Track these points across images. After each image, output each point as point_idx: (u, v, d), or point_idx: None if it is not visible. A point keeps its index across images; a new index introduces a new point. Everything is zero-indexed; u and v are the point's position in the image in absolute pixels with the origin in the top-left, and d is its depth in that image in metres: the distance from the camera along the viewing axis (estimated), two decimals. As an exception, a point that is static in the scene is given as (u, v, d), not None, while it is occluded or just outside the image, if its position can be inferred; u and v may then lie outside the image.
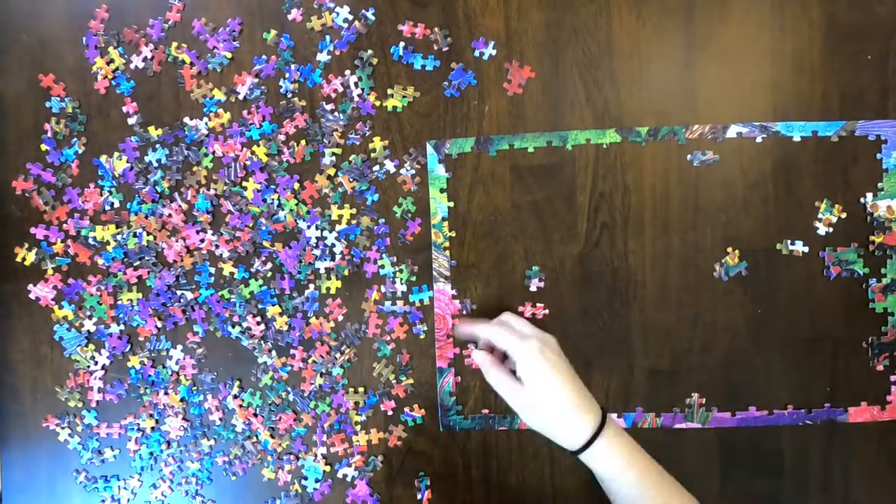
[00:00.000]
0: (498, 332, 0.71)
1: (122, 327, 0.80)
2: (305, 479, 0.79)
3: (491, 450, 0.80)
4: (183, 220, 0.79)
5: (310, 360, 0.79)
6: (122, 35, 0.79)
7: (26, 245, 0.79)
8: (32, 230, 0.79)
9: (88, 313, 0.79)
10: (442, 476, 0.80)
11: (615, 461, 0.68)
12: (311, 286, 0.79)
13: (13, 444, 0.80)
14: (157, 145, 0.79)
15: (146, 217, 0.79)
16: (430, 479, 0.80)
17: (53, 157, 0.79)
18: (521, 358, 0.68)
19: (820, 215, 0.78)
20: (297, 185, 0.79)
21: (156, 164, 0.79)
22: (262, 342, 0.79)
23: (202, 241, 0.79)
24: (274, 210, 0.79)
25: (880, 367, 0.78)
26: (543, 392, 0.68)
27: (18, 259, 0.79)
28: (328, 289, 0.79)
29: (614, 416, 0.79)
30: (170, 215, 0.79)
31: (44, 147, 0.79)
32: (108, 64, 0.79)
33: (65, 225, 0.79)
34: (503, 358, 0.74)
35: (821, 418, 0.79)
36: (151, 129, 0.79)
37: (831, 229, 0.78)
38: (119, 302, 0.79)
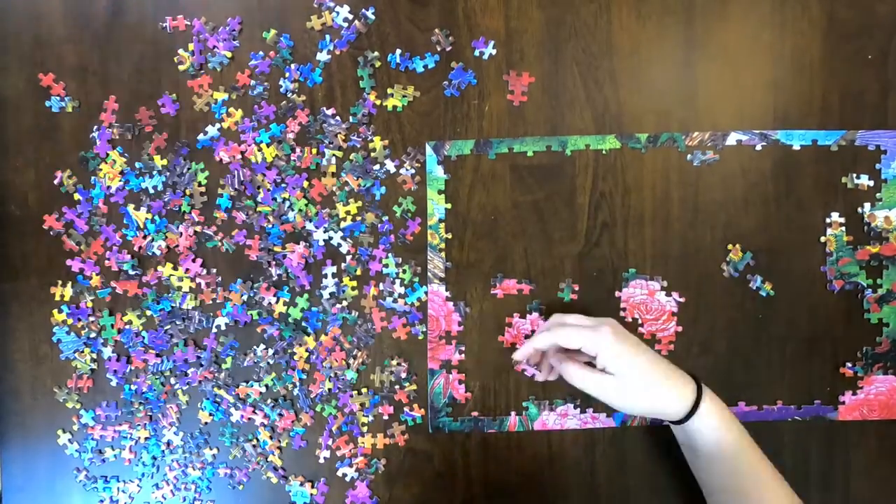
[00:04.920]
0: (564, 334, 0.69)
1: (113, 354, 0.79)
2: None
3: (490, 450, 0.80)
4: (195, 240, 0.79)
5: (324, 364, 0.79)
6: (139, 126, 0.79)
7: (59, 282, 0.79)
8: (68, 262, 0.79)
9: (94, 325, 0.79)
10: (442, 476, 0.80)
11: (719, 422, 0.67)
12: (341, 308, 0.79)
13: (13, 443, 0.80)
14: (155, 173, 0.79)
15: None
16: (430, 479, 0.80)
17: (84, 208, 0.79)
18: (603, 348, 0.67)
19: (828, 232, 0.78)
20: (305, 184, 0.79)
21: (151, 191, 0.79)
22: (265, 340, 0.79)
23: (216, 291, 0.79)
24: (284, 210, 0.79)
25: (875, 377, 0.79)
26: (637, 373, 0.67)
27: (57, 297, 0.79)
28: (344, 287, 0.79)
29: (603, 416, 0.79)
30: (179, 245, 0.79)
31: (68, 193, 0.79)
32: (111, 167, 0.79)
33: (107, 262, 0.79)
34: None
35: (810, 415, 0.79)
36: (157, 158, 0.79)
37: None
38: (128, 326, 0.79)
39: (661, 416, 0.69)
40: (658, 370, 0.67)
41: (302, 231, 0.79)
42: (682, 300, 0.79)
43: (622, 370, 0.67)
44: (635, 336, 0.69)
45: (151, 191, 0.79)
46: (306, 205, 0.79)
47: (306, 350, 0.79)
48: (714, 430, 0.67)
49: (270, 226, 0.79)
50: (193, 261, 0.79)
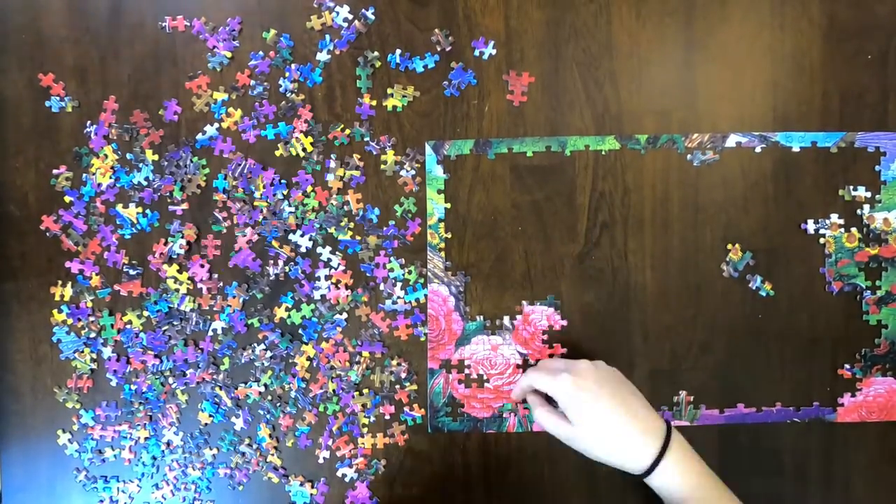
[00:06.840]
0: (533, 377, 0.70)
1: (113, 354, 0.79)
2: None
3: (490, 450, 0.80)
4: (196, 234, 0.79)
5: (328, 366, 0.79)
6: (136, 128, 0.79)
7: (59, 282, 0.79)
8: (67, 264, 0.79)
9: (94, 325, 0.79)
10: (441, 476, 0.80)
11: (683, 480, 0.66)
12: (342, 313, 0.79)
13: (13, 443, 0.80)
14: (147, 165, 0.79)
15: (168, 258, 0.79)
16: (430, 479, 0.80)
17: (78, 207, 0.79)
18: (559, 396, 0.68)
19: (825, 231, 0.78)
20: (309, 188, 0.79)
21: (144, 182, 0.79)
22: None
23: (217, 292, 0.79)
24: (280, 208, 0.79)
25: (874, 379, 0.79)
26: (590, 425, 0.67)
27: (57, 297, 0.79)
28: (340, 293, 0.79)
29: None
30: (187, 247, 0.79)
31: (63, 193, 0.79)
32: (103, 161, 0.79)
33: (106, 264, 0.79)
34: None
35: (809, 416, 0.79)
36: (149, 153, 0.79)
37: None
38: (127, 326, 0.79)
39: (621, 468, 0.68)
40: (616, 422, 0.66)
41: (297, 231, 0.79)
42: (526, 352, 0.79)
43: (577, 419, 0.67)
44: (613, 384, 0.68)
45: (144, 182, 0.79)
46: (310, 210, 0.79)
47: (307, 359, 0.79)
48: (677, 486, 0.66)
49: (263, 219, 0.78)
50: (202, 266, 0.79)
